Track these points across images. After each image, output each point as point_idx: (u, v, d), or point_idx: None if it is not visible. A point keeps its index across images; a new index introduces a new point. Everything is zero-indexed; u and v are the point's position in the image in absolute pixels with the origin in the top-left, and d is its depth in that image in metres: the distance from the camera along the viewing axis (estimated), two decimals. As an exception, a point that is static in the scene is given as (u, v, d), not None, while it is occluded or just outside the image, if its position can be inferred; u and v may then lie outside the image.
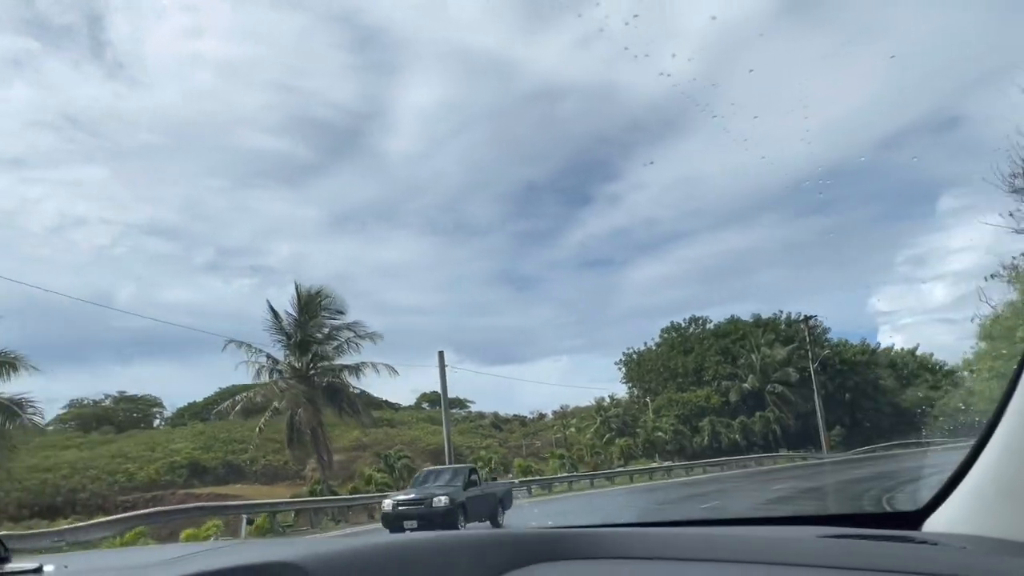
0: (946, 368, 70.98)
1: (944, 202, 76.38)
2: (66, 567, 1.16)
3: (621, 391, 72.94)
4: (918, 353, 70.89)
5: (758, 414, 62.28)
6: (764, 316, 71.33)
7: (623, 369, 76.31)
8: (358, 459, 49.84)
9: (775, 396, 63.67)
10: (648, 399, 70.52)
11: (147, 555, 1.44)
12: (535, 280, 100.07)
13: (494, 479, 29.39)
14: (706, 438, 60.40)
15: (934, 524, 1.62)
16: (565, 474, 45.65)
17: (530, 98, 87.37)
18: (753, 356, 65.70)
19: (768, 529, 1.80)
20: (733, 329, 70.83)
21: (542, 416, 71.85)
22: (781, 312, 70.96)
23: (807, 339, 62.69)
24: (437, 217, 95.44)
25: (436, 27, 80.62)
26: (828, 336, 67.11)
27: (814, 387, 60.92)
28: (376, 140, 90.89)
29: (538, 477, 42.43)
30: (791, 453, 57.64)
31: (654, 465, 50.54)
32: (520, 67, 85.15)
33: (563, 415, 67.41)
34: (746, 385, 65.27)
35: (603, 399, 63.51)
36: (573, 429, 63.54)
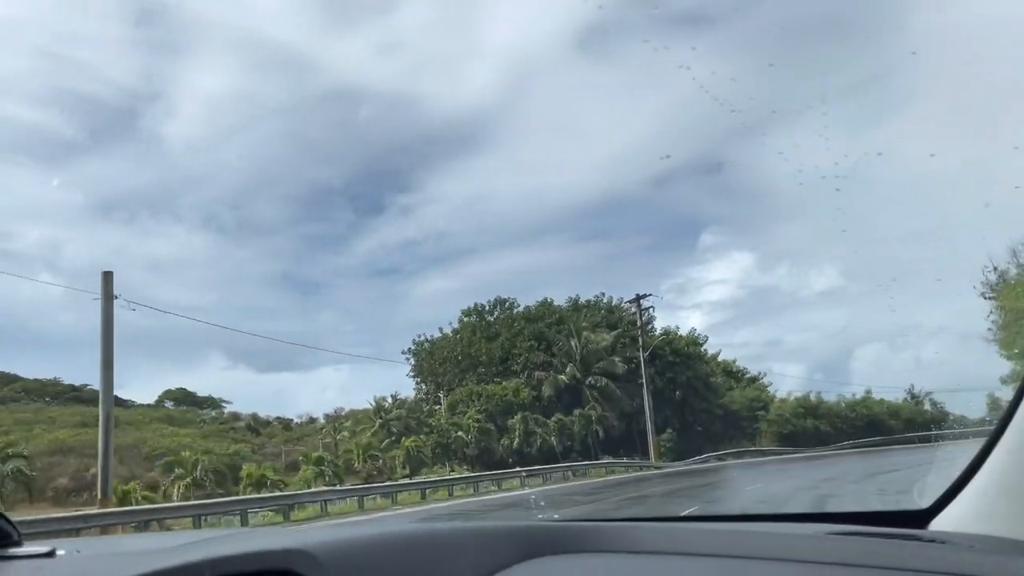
0: (748, 375, 63.92)
1: (705, 238, 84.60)
2: (78, 551, 1.17)
3: (407, 388, 59.25)
4: (720, 359, 62.70)
5: (577, 412, 50.29)
6: (583, 299, 60.09)
7: (412, 360, 61.89)
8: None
9: (597, 391, 52.22)
10: (442, 393, 56.77)
11: (160, 540, 1.50)
12: (321, 286, 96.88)
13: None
14: (516, 439, 47.29)
15: (941, 523, 1.61)
16: (322, 488, 30.32)
17: (327, 98, 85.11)
18: (572, 342, 53.94)
19: (777, 526, 1.81)
20: (547, 312, 58.80)
21: (312, 420, 61.10)
22: (603, 294, 60.11)
23: (639, 321, 51.75)
24: (218, 212, 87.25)
25: (230, 11, 76.73)
26: (652, 326, 56.93)
27: (643, 379, 50.05)
28: (153, 123, 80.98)
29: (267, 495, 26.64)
30: (615, 460, 46.11)
31: (450, 476, 36.33)
32: (319, 65, 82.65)
33: (336, 418, 56.07)
34: (563, 377, 53.28)
35: (384, 399, 49.66)
36: (346, 433, 49.61)
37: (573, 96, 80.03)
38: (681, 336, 56.64)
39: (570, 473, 39.12)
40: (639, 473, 41.88)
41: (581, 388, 53.21)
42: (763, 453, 50.99)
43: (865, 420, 56.43)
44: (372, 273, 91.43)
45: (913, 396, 61.74)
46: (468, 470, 41.51)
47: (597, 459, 47.14)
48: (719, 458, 49.72)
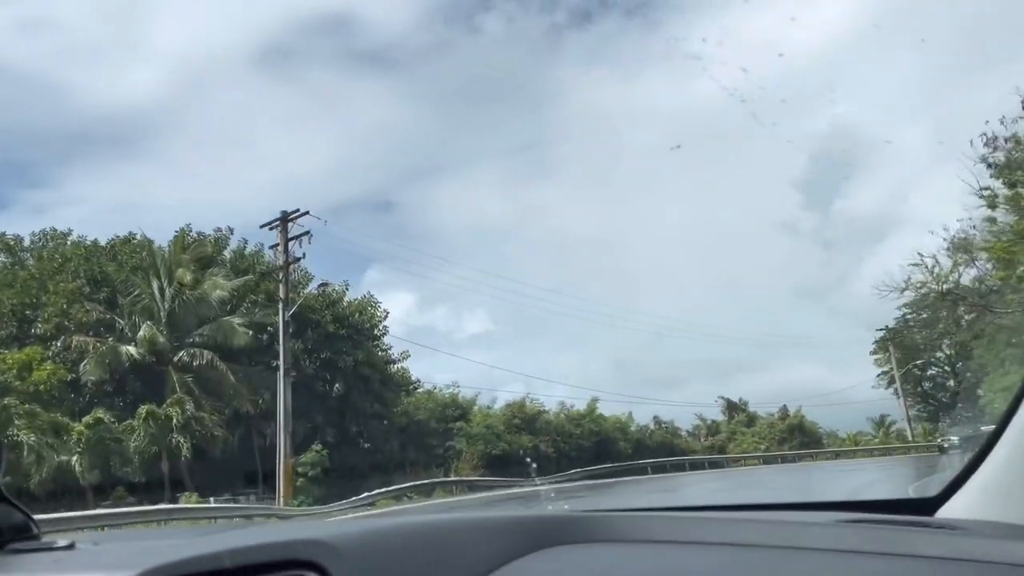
0: (421, 388, 45.24)
1: (370, 274, 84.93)
2: (97, 544, 1.18)
3: None
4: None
5: (144, 409, 26.45)
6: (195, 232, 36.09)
7: None
8: None
9: (193, 375, 29.04)
10: None
11: (179, 533, 1.75)
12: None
13: None
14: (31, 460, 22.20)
15: (949, 511, 1.63)
16: None
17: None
18: (155, 286, 30.17)
19: (787, 514, 1.79)
20: (126, 250, 34.13)
21: None
22: (231, 232, 36.61)
23: (284, 256, 29.55)
24: None
25: None
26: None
27: (282, 358, 28.12)
28: None
29: None
30: (188, 506, 23.60)
31: None
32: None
33: None
34: (130, 348, 29.15)
35: None
36: None
37: (251, 114, 76.87)
38: (352, 302, 35.53)
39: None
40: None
41: (164, 370, 29.46)
42: (471, 487, 31.73)
43: (595, 439, 40.53)
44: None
45: (659, 423, 48.31)
46: None
47: (176, 502, 24.09)
48: (396, 497, 29.43)
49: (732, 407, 62.21)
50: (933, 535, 1.32)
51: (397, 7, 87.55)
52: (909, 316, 70.30)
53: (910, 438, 59.57)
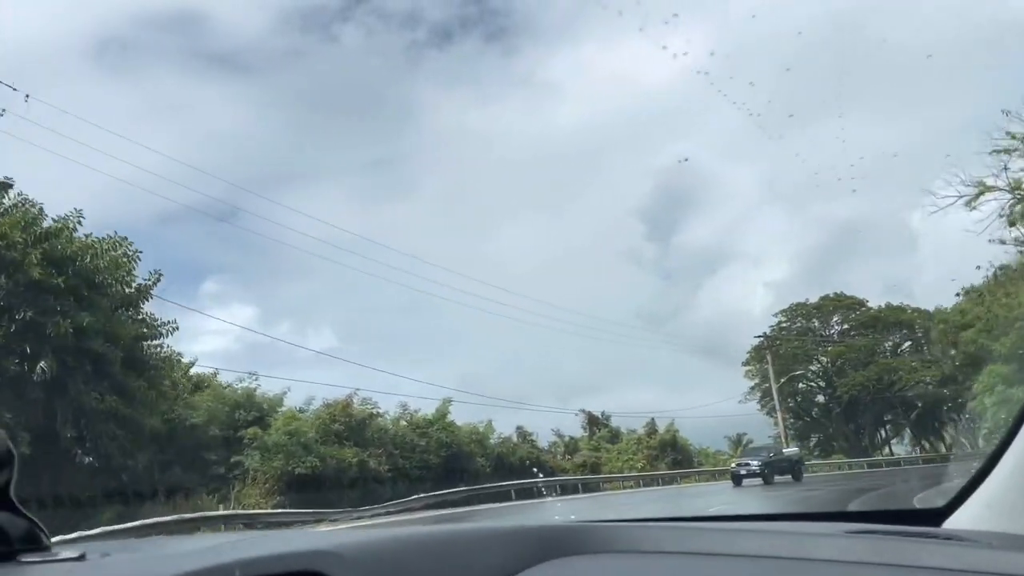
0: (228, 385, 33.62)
1: (208, 286, 75.47)
2: (108, 554, 1.17)
3: None
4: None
5: None
6: None
7: None
8: None
9: None
10: None
11: (189, 543, 1.51)
12: None
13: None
14: None
15: (956, 522, 1.63)
16: None
17: None
18: None
19: (795, 525, 1.80)
20: None
21: None
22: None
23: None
24: None
25: None
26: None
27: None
28: None
29: None
30: None
31: None
32: None
33: None
34: None
35: None
36: None
37: (82, 107, 67.07)
38: (85, 241, 23.23)
39: None
40: None
41: None
42: (249, 523, 20.09)
43: (445, 453, 30.16)
44: None
45: (524, 435, 38.67)
46: None
47: None
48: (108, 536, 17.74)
49: (593, 421, 54.97)
50: (940, 546, 1.31)
51: (251, 10, 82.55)
52: (784, 324, 66.00)
53: (786, 456, 54.21)
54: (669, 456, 49.80)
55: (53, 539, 1.17)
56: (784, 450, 41.95)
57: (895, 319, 56.10)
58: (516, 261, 76.33)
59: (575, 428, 52.78)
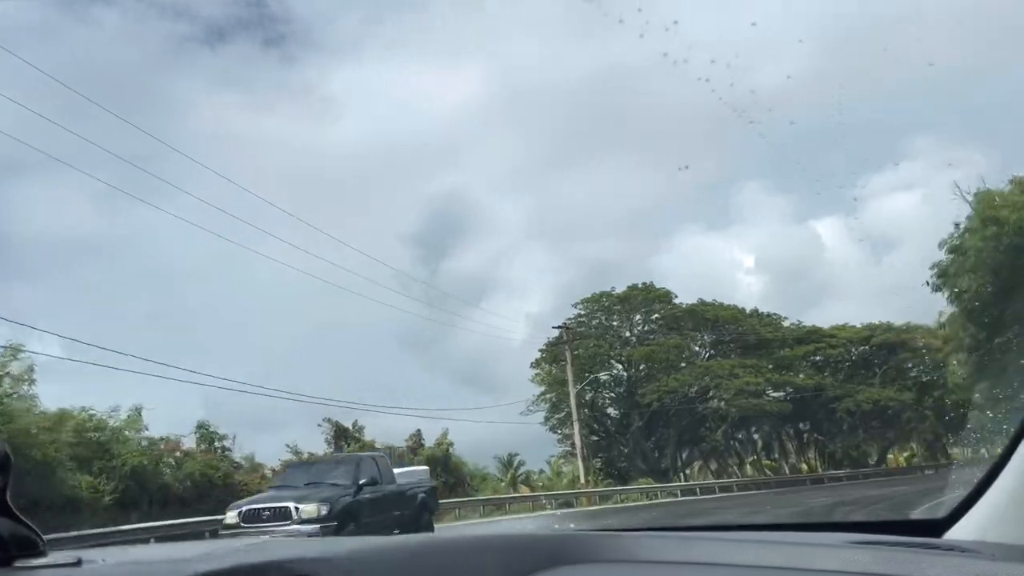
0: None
1: None
2: (104, 560, 1.17)
3: None
4: None
5: None
6: None
7: None
8: None
9: None
10: None
11: (184, 550, 1.49)
12: None
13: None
14: None
15: (957, 533, 1.64)
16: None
17: None
18: None
19: (796, 535, 1.80)
20: None
21: None
22: None
23: None
24: None
25: None
26: None
27: None
28: None
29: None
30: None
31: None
32: None
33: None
34: None
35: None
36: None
37: None
38: None
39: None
40: None
41: None
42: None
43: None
44: None
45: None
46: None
47: None
48: None
49: (341, 434, 41.29)
50: (941, 557, 1.31)
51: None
52: (583, 317, 55.45)
53: (582, 480, 43.10)
54: (440, 478, 36.61)
55: None
56: (399, 470, 19.94)
57: (713, 316, 47.97)
58: (274, 277, 70.10)
59: (318, 442, 39.69)
